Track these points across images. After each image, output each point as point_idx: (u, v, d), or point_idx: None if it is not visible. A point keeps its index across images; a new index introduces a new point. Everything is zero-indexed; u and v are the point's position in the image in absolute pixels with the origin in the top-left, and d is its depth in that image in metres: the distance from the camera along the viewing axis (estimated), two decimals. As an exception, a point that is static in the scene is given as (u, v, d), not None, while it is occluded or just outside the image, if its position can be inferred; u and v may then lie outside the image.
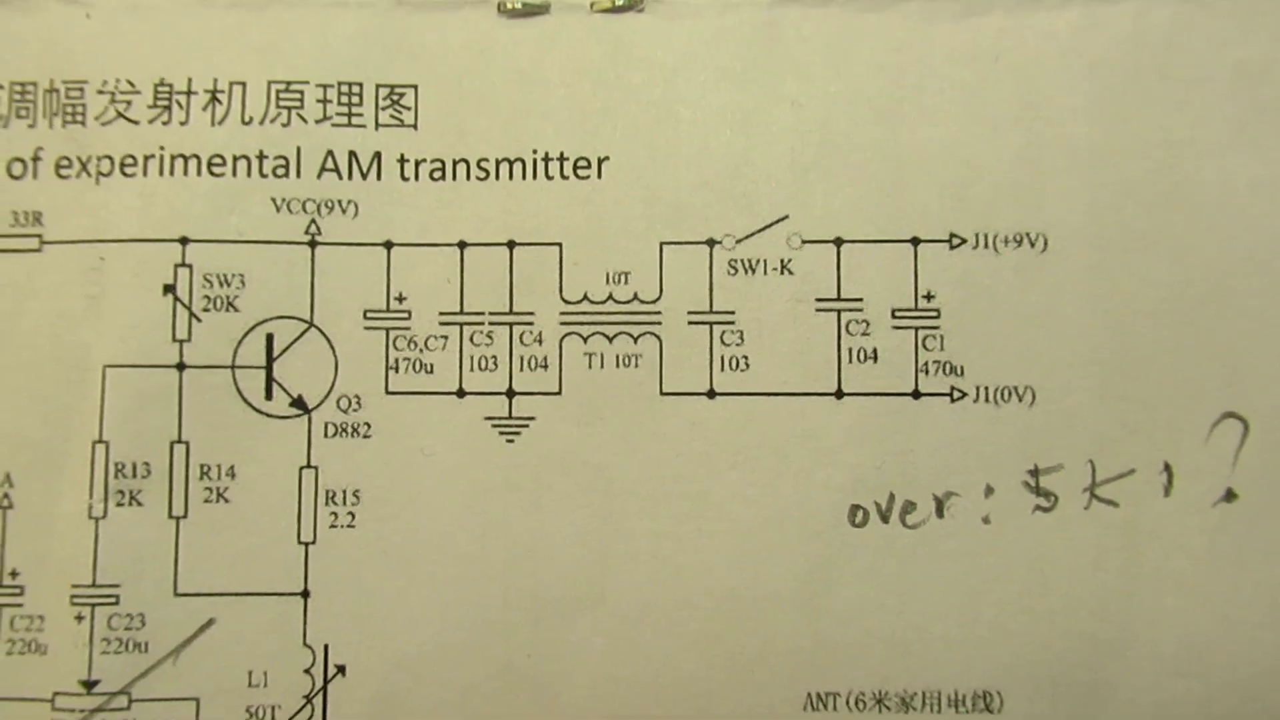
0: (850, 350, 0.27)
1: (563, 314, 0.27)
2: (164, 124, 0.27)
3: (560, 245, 0.27)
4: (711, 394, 0.27)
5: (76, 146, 0.27)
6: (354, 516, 0.27)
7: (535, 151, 0.27)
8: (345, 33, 0.27)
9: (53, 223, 0.27)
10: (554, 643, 0.27)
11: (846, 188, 0.27)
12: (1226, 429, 0.26)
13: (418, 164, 0.27)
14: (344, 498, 0.27)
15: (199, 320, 0.27)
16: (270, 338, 0.27)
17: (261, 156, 0.27)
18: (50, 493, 0.26)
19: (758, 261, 0.27)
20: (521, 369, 0.27)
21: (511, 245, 0.27)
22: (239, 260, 0.27)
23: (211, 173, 0.27)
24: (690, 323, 0.27)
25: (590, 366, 0.27)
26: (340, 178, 0.27)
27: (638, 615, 0.26)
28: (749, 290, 0.27)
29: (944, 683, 0.26)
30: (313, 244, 0.27)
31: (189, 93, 0.27)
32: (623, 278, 0.27)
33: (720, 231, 0.27)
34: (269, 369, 0.27)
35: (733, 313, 0.27)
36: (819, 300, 0.27)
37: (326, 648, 0.26)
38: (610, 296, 0.27)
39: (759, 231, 0.27)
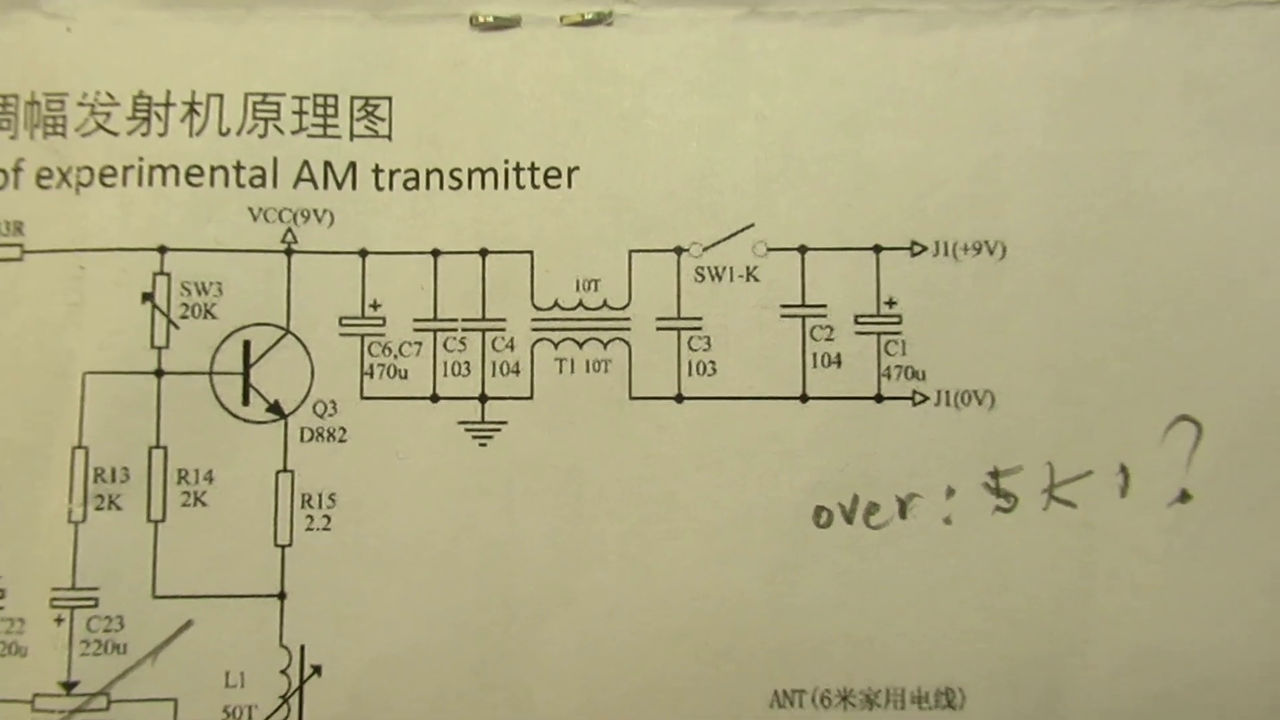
0: (814, 355, 0.27)
1: (534, 320, 0.27)
2: (143, 135, 0.28)
3: (531, 253, 0.28)
4: (679, 398, 0.27)
5: (57, 157, 0.28)
6: (330, 519, 0.27)
7: (507, 162, 0.28)
8: (321, 46, 0.28)
9: (34, 232, 0.27)
10: (526, 642, 0.27)
11: (810, 197, 0.28)
12: (1181, 431, 0.27)
13: (392, 174, 0.28)
14: (320, 501, 0.27)
15: (177, 327, 0.27)
16: (247, 344, 0.27)
17: (239, 167, 0.28)
18: (31, 497, 0.27)
19: (724, 269, 0.27)
20: (494, 374, 0.27)
21: (484, 253, 0.28)
22: (216, 268, 0.27)
23: (189, 183, 0.27)
24: (658, 329, 0.27)
25: (561, 372, 0.27)
26: (316, 187, 0.28)
27: (608, 615, 0.27)
28: (716, 297, 0.27)
29: (907, 680, 0.27)
30: (289, 252, 0.27)
31: (167, 104, 0.28)
32: (593, 285, 0.27)
33: (687, 239, 0.28)
34: (246, 375, 0.27)
35: (700, 319, 0.27)
36: (784, 306, 0.27)
37: (303, 648, 0.27)
38: (580, 303, 0.27)
39: (725, 240, 0.27)
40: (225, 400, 0.27)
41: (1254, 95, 0.28)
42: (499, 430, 0.27)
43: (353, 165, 0.28)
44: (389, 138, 0.28)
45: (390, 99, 0.28)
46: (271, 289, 0.27)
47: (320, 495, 0.27)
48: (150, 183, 0.27)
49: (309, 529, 0.27)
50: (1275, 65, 0.28)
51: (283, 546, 0.27)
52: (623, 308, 0.27)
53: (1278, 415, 0.27)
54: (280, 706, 0.27)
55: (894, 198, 0.28)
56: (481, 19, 0.28)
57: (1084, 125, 0.28)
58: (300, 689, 0.27)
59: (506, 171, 0.28)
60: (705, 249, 0.27)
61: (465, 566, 0.27)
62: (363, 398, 0.27)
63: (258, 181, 0.28)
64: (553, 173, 0.28)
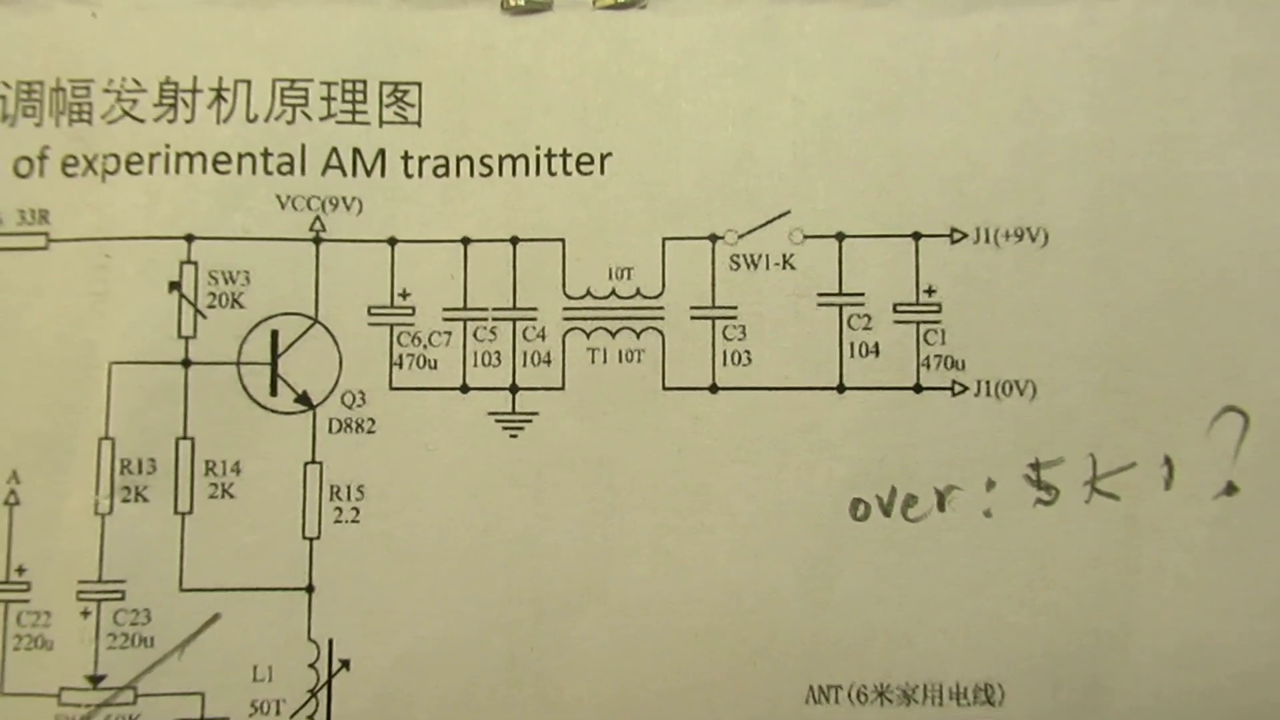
0: (852, 345, 0.27)
1: (566, 309, 0.27)
2: (169, 122, 0.27)
3: (563, 241, 0.27)
4: (714, 389, 0.27)
5: (83, 145, 0.27)
6: (358, 512, 0.27)
7: (538, 148, 0.27)
8: (349, 31, 0.28)
9: (59, 221, 0.27)
10: (557, 637, 0.27)
11: (848, 183, 0.27)
12: (1227, 422, 0.27)
13: (421, 161, 0.27)
14: (348, 493, 0.27)
15: (204, 317, 0.27)
16: (275, 334, 0.27)
17: (266, 154, 0.27)
18: (57, 489, 0.27)
19: (760, 256, 0.27)
20: (524, 364, 0.27)
21: (515, 241, 0.27)
22: (244, 257, 0.27)
23: (217, 170, 0.27)
24: (693, 318, 0.27)
25: (593, 362, 0.27)
26: (344, 175, 0.27)
27: (640, 609, 0.27)
28: (751, 285, 0.27)
29: (945, 675, 0.27)
30: (317, 241, 0.27)
31: (194, 91, 0.27)
32: (625, 273, 0.27)
33: (722, 227, 0.27)
34: (274, 365, 0.27)
35: (735, 308, 0.27)
36: (820, 295, 0.27)
37: (331, 642, 0.27)
38: (613, 292, 0.27)
39: (761, 227, 0.27)
40: (253, 391, 0.27)
41: (1301, 76, 0.27)
42: (530, 421, 0.27)
43: (382, 152, 0.27)
44: (418, 124, 0.28)
45: (419, 84, 0.28)
46: (300, 278, 0.27)
47: (349, 487, 0.27)
48: (177, 170, 0.27)
49: (337, 521, 0.27)
50: (1325, 46, 0.27)
51: (311, 539, 0.27)
52: (656, 296, 0.27)
53: (1327, 406, 0.26)
54: (308, 701, 0.27)
55: (933, 183, 0.27)
56: (512, 2, 0.28)
57: (1128, 108, 0.27)
58: (328, 683, 0.27)
59: (538, 158, 0.27)
60: (740, 236, 0.27)
61: (495, 560, 0.27)
62: (392, 388, 0.27)
63: (286, 169, 0.27)
64: (585, 159, 0.27)
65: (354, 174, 0.27)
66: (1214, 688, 0.26)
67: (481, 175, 0.27)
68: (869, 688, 0.27)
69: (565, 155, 0.27)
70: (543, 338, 0.27)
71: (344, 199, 0.27)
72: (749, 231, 0.27)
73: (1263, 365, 0.27)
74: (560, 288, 0.27)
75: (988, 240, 0.27)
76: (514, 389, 0.27)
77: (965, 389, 0.27)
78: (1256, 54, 0.27)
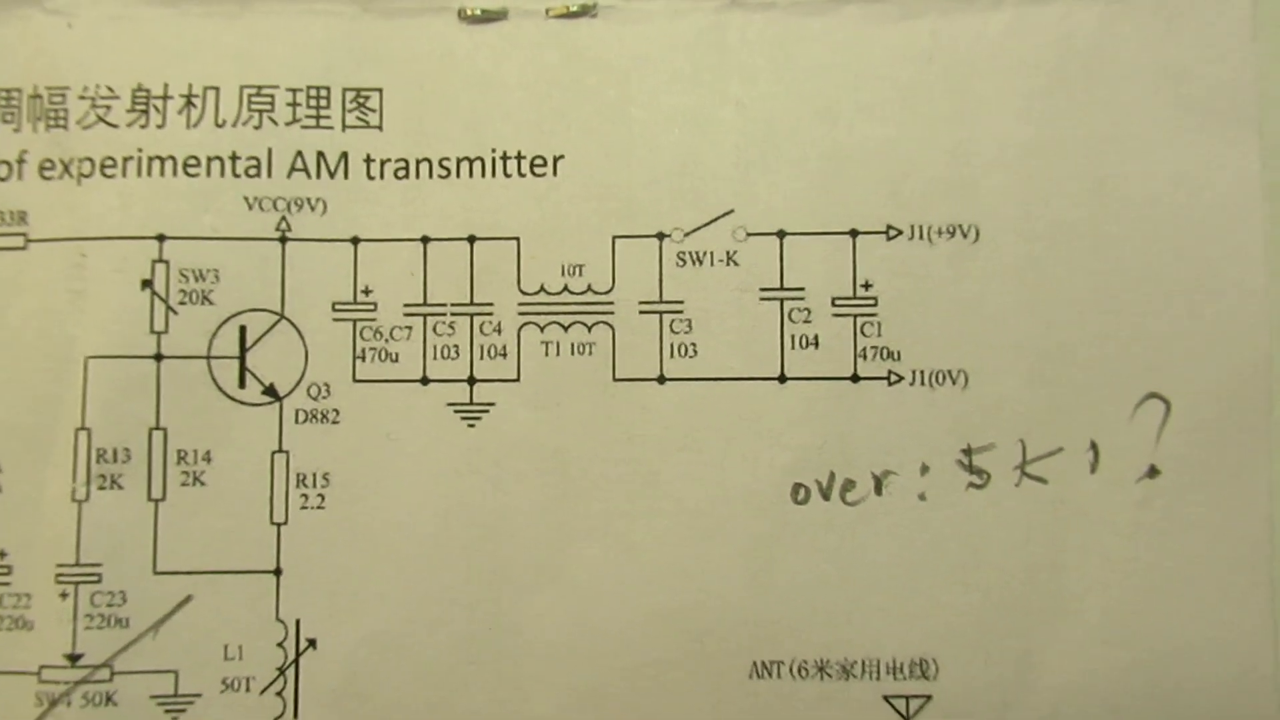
0: (793, 337, 0.28)
1: (521, 305, 0.28)
2: (142, 127, 0.28)
3: (518, 239, 0.28)
4: (662, 380, 0.28)
5: (59, 149, 0.28)
6: (324, 498, 0.28)
7: (494, 150, 0.29)
8: (314, 39, 0.29)
9: (37, 222, 0.28)
10: (514, 617, 0.28)
11: (788, 183, 0.28)
12: (1149, 409, 0.28)
13: (383, 163, 0.29)
14: (314, 480, 0.28)
15: (175, 313, 0.28)
16: (243, 329, 0.28)
17: (234, 157, 0.28)
18: (36, 477, 0.28)
19: (705, 253, 0.28)
20: (482, 357, 0.28)
21: (472, 240, 0.28)
22: (213, 256, 0.28)
23: (187, 173, 0.28)
24: (641, 312, 0.28)
25: (547, 354, 0.28)
26: (309, 177, 0.28)
27: (593, 590, 0.28)
28: (696, 281, 0.28)
29: (882, 651, 0.28)
30: (283, 240, 0.28)
31: (165, 97, 0.29)
32: (577, 270, 0.28)
33: (669, 225, 0.28)
34: (242, 359, 0.28)
35: (681, 302, 0.28)
36: (763, 290, 0.28)
37: (298, 622, 0.28)
38: (566, 288, 0.28)
39: (706, 225, 0.28)
40: (222, 383, 0.28)
41: (1223, 80, 0.28)
42: (487, 411, 0.28)
43: (345, 155, 0.29)
44: (380, 128, 0.29)
45: (381, 90, 0.29)
46: (266, 276, 0.28)
47: (314, 475, 0.28)
48: (149, 173, 0.28)
49: (304, 507, 0.28)
50: (1244, 50, 0.28)
51: (278, 524, 0.28)
52: (606, 292, 0.28)
53: (1244, 393, 0.28)
54: (277, 678, 0.28)
55: (870, 183, 0.28)
56: (469, 11, 0.29)
57: (1057, 111, 0.28)
58: (296, 661, 0.28)
59: (494, 160, 0.28)
60: (686, 234, 0.28)
61: (455, 544, 0.28)
62: (355, 380, 0.28)
63: (253, 172, 0.28)
64: (539, 161, 0.28)
65: (318, 176, 0.28)
66: (1138, 661, 0.28)
67: (440, 177, 0.29)
68: (809, 663, 0.28)
69: (520, 158, 0.28)
70: (499, 332, 0.28)
71: (309, 200, 0.28)
72: (694, 230, 0.28)
73: (1183, 354, 0.28)
74: (515, 284, 0.28)
75: (922, 237, 0.28)
76: (472, 381, 0.28)
77: (900, 379, 0.28)
78: (1180, 60, 0.28)
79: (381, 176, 0.28)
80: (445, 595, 0.28)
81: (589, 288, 0.28)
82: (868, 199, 0.28)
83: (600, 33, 0.29)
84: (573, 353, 0.28)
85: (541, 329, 0.28)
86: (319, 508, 0.28)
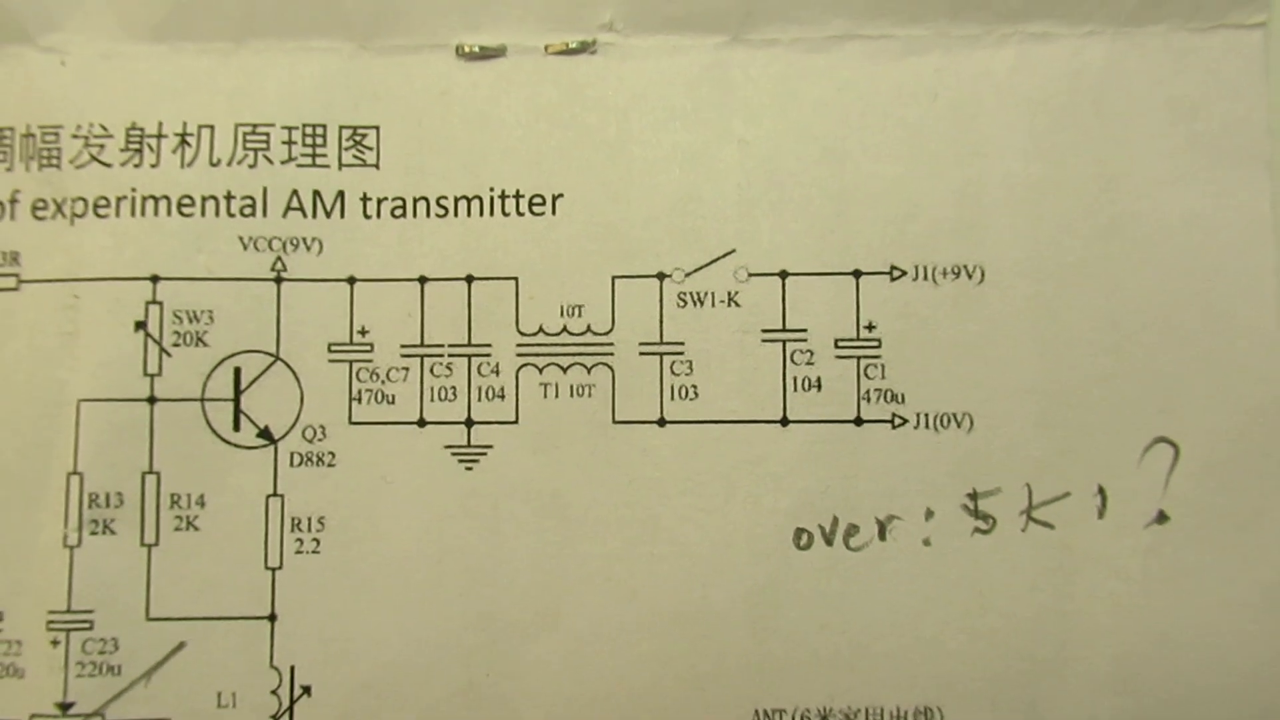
0: (795, 379, 0.28)
1: (519, 345, 0.28)
2: (135, 166, 0.28)
3: (516, 279, 0.28)
4: (662, 422, 0.28)
5: (52, 189, 0.28)
6: (319, 542, 0.28)
7: (492, 189, 0.28)
8: (310, 77, 0.28)
9: (30, 262, 0.28)
10: (512, 662, 0.27)
11: (791, 222, 0.28)
12: (1158, 453, 0.27)
13: (380, 202, 0.28)
14: (309, 524, 0.28)
15: (169, 355, 0.28)
16: (238, 371, 0.28)
17: (229, 196, 0.28)
18: (27, 522, 0.27)
19: (706, 294, 0.28)
20: (480, 399, 0.28)
21: (470, 280, 0.28)
22: (208, 297, 0.28)
23: (181, 213, 0.28)
24: (641, 353, 0.28)
25: (545, 396, 0.28)
26: (305, 216, 0.28)
27: (592, 635, 0.27)
28: (697, 322, 0.28)
29: (886, 699, 0.27)
30: (278, 280, 0.28)
31: (159, 136, 0.28)
32: (577, 310, 0.28)
33: (670, 265, 0.28)
34: (237, 401, 0.28)
35: (682, 343, 0.28)
36: (765, 331, 0.28)
37: (293, 669, 0.27)
38: (565, 329, 0.28)
39: (707, 265, 0.28)
40: (217, 426, 0.28)
41: (1234, 118, 0.28)
42: (485, 454, 0.28)
43: (341, 194, 0.28)
44: (376, 166, 0.28)
45: (378, 128, 0.28)
46: (261, 316, 0.28)
47: (310, 519, 0.28)
48: (143, 213, 0.28)
49: (299, 552, 0.28)
50: (1255, 87, 0.28)
51: (273, 569, 0.28)
52: (606, 333, 0.28)
53: (1254, 437, 0.27)
54: (272, 726, 0.27)
55: (874, 223, 0.28)
56: (467, 49, 0.28)
57: (1064, 150, 0.28)
58: (290, 709, 0.27)
59: (492, 199, 0.28)
60: (687, 274, 0.28)
61: (452, 588, 0.28)
62: (351, 423, 0.28)
63: (248, 211, 0.28)
64: (537, 200, 0.28)
65: (314, 215, 0.28)
66: (1146, 711, 0.27)
67: (438, 216, 0.28)
68: (813, 711, 0.27)
69: (519, 196, 0.28)
70: (497, 373, 0.28)
71: (304, 239, 0.28)
72: (695, 270, 0.28)
73: (1192, 398, 0.27)
74: (514, 325, 0.28)
75: (926, 278, 0.28)
76: (469, 423, 0.28)
77: (905, 421, 0.28)
78: (1189, 96, 0.28)
79: (378, 215, 0.28)
80: (442, 641, 0.28)
81: (588, 328, 0.28)
82: (871, 239, 0.28)
83: (600, 70, 0.28)
84: (572, 394, 0.28)
85: (540, 370, 0.28)
86: (314, 552, 0.28)
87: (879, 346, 0.28)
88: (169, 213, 0.28)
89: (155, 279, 0.28)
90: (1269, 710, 0.27)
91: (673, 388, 0.28)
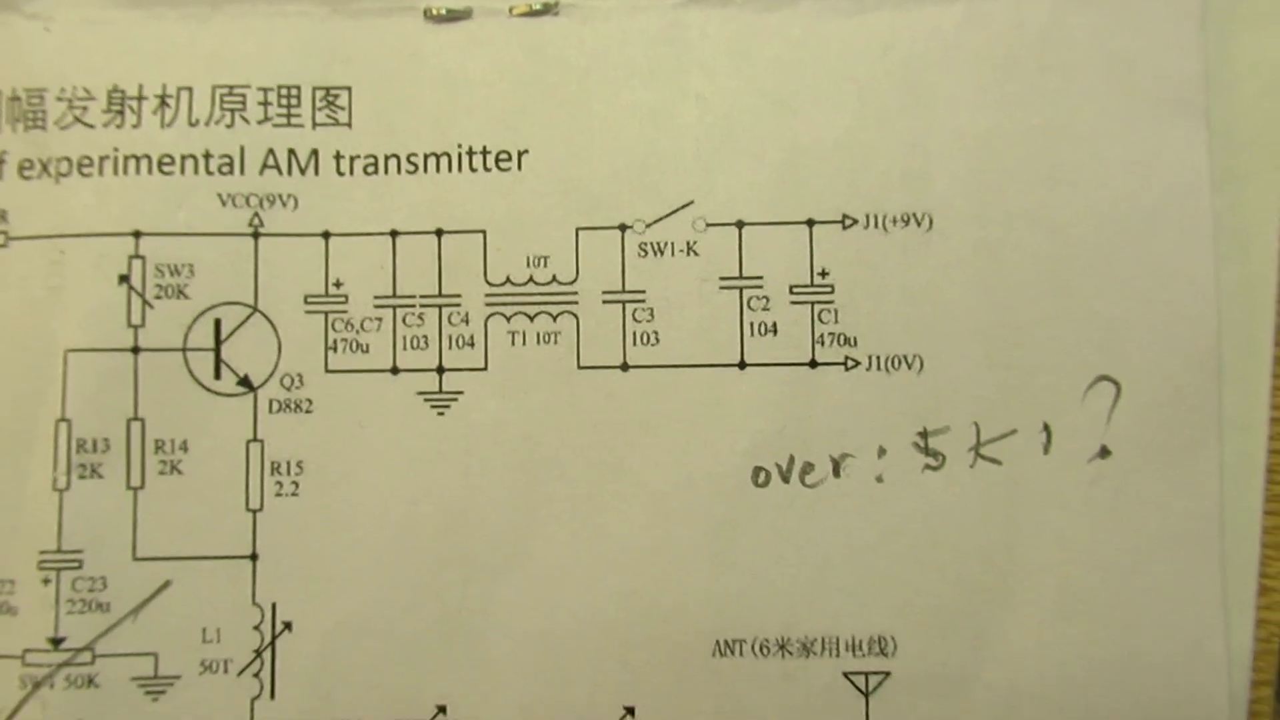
0: (752, 324, 0.29)
1: (487, 296, 0.29)
2: (117, 127, 0.29)
3: (484, 232, 0.29)
4: (625, 367, 0.29)
5: (38, 149, 0.29)
6: (298, 486, 0.29)
7: (460, 146, 0.29)
8: (284, 40, 0.30)
9: (17, 220, 0.29)
10: (484, 599, 0.29)
11: (747, 174, 0.29)
12: (1100, 391, 0.28)
13: (352, 160, 0.29)
14: (288, 468, 0.29)
15: (152, 307, 0.29)
16: (218, 322, 0.29)
17: (208, 155, 0.29)
18: (18, 468, 0.29)
19: (666, 244, 0.29)
20: (450, 347, 0.29)
21: (440, 233, 0.29)
22: (188, 251, 0.29)
23: (162, 171, 0.29)
24: (604, 302, 0.29)
25: (513, 344, 0.29)
26: (281, 174, 0.29)
27: (560, 572, 0.29)
28: (658, 271, 0.29)
29: (841, 629, 0.28)
30: (256, 235, 0.29)
31: (140, 98, 0.29)
32: (542, 261, 0.29)
33: (631, 217, 0.29)
34: (217, 351, 0.29)
35: (643, 292, 0.29)
36: (722, 279, 0.29)
37: (274, 606, 0.29)
38: (531, 279, 0.29)
39: (666, 216, 0.29)
40: (198, 375, 0.29)
41: (1172, 70, 0.29)
42: (456, 400, 0.29)
43: (315, 152, 0.29)
44: (349, 126, 0.29)
45: (350, 89, 0.29)
46: (240, 270, 0.29)
47: (288, 463, 0.29)
48: (125, 172, 0.29)
49: (278, 495, 0.29)
50: (1189, 41, 0.29)
51: (254, 511, 0.29)
52: (571, 282, 0.29)
53: (1193, 376, 0.28)
54: (254, 660, 0.29)
55: (826, 174, 0.29)
56: (435, 11, 0.29)
57: (1009, 102, 0.29)
58: (272, 644, 0.29)
59: (460, 156, 0.29)
60: (648, 226, 0.29)
61: (426, 528, 0.29)
62: (327, 371, 0.29)
63: (226, 169, 0.29)
64: (503, 156, 0.29)
65: (289, 173, 0.29)
66: (1091, 636, 0.28)
67: (408, 172, 0.29)
68: (771, 641, 0.28)
69: (485, 153, 0.29)
70: (466, 322, 0.29)
71: (280, 196, 0.29)
72: (656, 221, 0.29)
73: (1133, 337, 0.28)
74: (482, 276, 0.29)
75: (877, 226, 0.29)
76: (440, 370, 0.29)
77: (857, 364, 0.29)
78: (1128, 50, 0.29)
79: (351, 173, 0.29)
80: (416, 579, 0.29)
81: (554, 278, 0.29)
82: (824, 189, 0.29)
83: (562, 30, 0.29)
84: (538, 342, 0.29)
85: (508, 319, 0.29)
86: (293, 495, 0.29)
87: (832, 292, 0.29)
88: (150, 171, 0.29)
89: (138, 234, 0.29)
90: (1206, 635, 0.28)
91: (635, 334, 0.29)
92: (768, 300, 0.29)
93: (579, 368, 0.29)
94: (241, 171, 0.29)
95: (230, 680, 0.28)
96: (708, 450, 0.29)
